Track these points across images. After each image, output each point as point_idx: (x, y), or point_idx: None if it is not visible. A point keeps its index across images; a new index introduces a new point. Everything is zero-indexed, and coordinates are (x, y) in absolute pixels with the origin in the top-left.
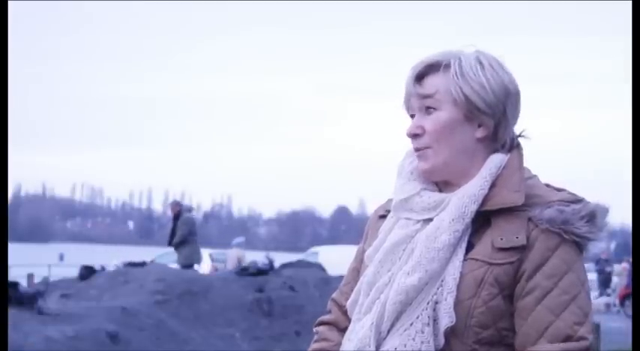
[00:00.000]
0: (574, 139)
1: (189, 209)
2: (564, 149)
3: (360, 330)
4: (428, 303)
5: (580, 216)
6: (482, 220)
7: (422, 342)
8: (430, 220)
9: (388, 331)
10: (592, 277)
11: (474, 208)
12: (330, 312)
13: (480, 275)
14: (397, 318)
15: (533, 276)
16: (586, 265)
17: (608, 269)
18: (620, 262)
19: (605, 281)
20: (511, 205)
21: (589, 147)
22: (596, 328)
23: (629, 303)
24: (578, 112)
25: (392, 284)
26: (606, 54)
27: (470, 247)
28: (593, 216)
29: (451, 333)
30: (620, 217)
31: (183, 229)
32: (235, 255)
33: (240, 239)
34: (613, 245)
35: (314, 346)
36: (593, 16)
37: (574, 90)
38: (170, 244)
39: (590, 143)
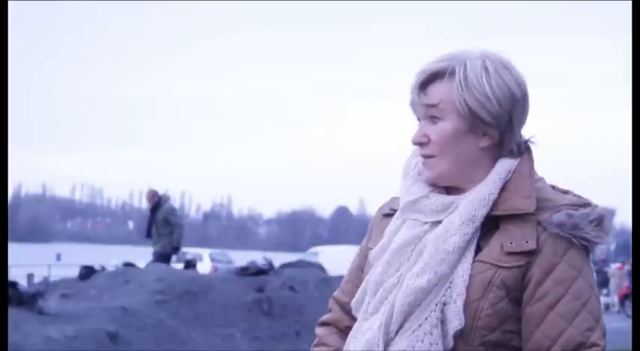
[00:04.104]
0: (573, 140)
1: (168, 198)
2: (562, 150)
3: (367, 330)
4: (436, 305)
5: (589, 220)
6: (490, 223)
7: (430, 344)
8: (438, 222)
9: (396, 333)
10: None
11: (484, 211)
12: (330, 311)
13: (487, 278)
14: (405, 319)
15: (543, 282)
16: None
17: (605, 269)
18: (616, 262)
19: (603, 282)
20: (522, 211)
21: (588, 147)
22: None
23: (629, 303)
24: (578, 112)
25: (400, 285)
26: (606, 54)
27: (478, 250)
28: (602, 220)
29: (457, 335)
30: (619, 217)
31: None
32: None
33: None
34: (613, 246)
35: (314, 350)
36: (593, 16)
37: (574, 90)
38: (149, 236)
39: (589, 143)
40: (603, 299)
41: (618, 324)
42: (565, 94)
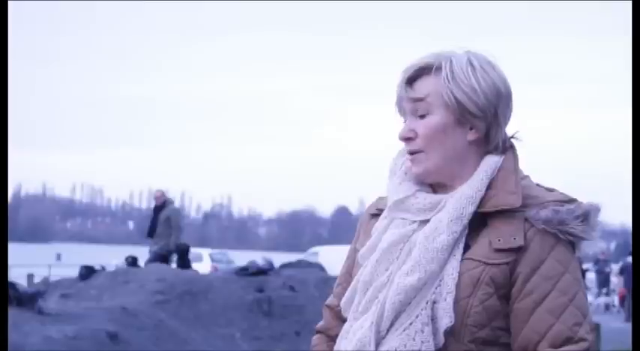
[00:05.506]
0: (573, 140)
1: (172, 201)
2: (562, 150)
3: (358, 330)
4: (427, 303)
5: (575, 216)
6: (478, 220)
7: (422, 341)
8: (426, 221)
9: (387, 331)
10: (591, 276)
11: (471, 209)
12: (323, 318)
13: (476, 275)
14: (396, 318)
15: (531, 278)
16: (585, 266)
17: (606, 269)
18: (619, 262)
19: (603, 281)
20: (509, 207)
21: (588, 147)
22: (596, 328)
23: None
24: (578, 112)
25: (390, 284)
26: (606, 54)
27: (466, 248)
28: (587, 215)
29: (448, 332)
30: (620, 217)
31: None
32: None
33: None
34: (613, 245)
35: None
36: (593, 16)
37: (574, 90)
38: (151, 236)
39: (589, 143)
40: (603, 299)
41: (618, 324)
42: (565, 94)
